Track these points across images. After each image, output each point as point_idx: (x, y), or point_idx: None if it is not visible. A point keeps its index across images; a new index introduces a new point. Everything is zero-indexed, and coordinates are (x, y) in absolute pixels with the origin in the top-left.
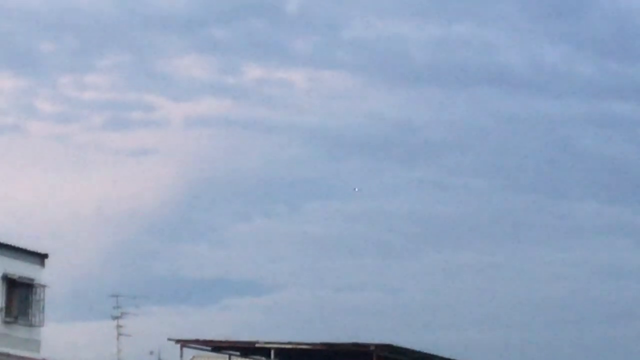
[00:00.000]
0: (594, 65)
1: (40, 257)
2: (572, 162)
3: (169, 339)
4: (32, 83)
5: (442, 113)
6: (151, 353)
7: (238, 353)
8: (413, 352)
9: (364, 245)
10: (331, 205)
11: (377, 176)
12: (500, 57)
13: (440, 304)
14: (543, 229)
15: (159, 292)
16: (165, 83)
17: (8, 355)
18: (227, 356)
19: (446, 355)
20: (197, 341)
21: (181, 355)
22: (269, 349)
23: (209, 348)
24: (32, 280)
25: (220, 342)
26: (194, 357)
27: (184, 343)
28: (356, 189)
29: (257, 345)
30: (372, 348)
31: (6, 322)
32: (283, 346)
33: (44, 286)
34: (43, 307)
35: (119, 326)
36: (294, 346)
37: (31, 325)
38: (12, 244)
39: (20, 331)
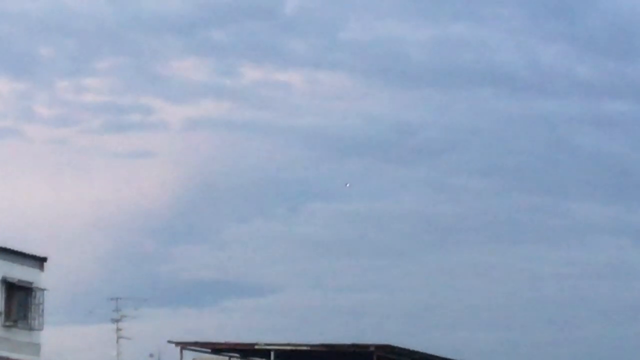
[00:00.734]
0: (592, 65)
1: (39, 261)
2: (571, 162)
3: (169, 342)
4: (30, 87)
5: (440, 114)
6: (151, 356)
7: (238, 355)
8: (413, 352)
9: (363, 246)
10: (330, 207)
11: (375, 177)
12: (498, 58)
13: (440, 305)
14: (542, 229)
15: (159, 295)
16: (164, 86)
17: (8, 359)
18: (227, 358)
19: (446, 356)
20: (196, 343)
21: (181, 358)
22: (268, 351)
23: (209, 350)
24: (32, 283)
25: (220, 344)
26: (194, 359)
27: (184, 345)
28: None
29: (256, 346)
30: (371, 349)
31: (6, 326)
32: (283, 347)
33: (43, 290)
34: (42, 311)
35: (118, 329)
36: (294, 347)
37: (31, 329)
38: (11, 248)
39: (20, 335)
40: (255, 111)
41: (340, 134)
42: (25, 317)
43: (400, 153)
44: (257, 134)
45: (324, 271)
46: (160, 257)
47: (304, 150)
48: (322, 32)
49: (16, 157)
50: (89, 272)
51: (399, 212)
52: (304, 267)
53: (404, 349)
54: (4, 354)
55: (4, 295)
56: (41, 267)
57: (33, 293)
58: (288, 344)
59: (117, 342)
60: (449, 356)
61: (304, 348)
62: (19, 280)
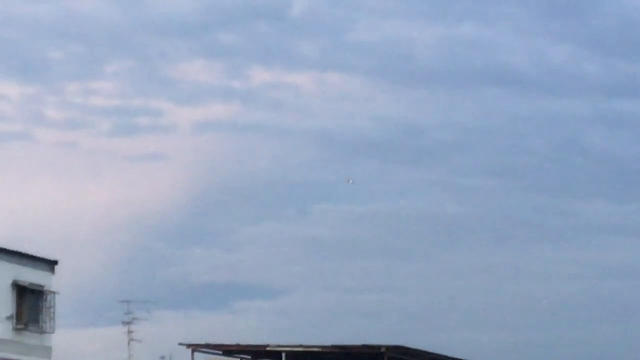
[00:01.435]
0: (601, 64)
1: (50, 264)
2: (581, 161)
3: (180, 344)
4: (39, 90)
5: (449, 114)
6: (162, 358)
7: (249, 357)
8: (424, 353)
9: (374, 247)
10: (340, 208)
11: (385, 178)
12: (506, 58)
13: (450, 305)
14: (552, 229)
15: (169, 297)
16: (173, 88)
17: None
18: None
19: (457, 356)
20: (208, 345)
21: None
22: (280, 352)
23: (220, 352)
24: (43, 287)
25: (231, 346)
26: None
27: (195, 347)
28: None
29: (268, 348)
30: (383, 350)
31: (17, 329)
32: (294, 349)
33: (54, 293)
34: (53, 314)
35: (130, 331)
36: (305, 349)
37: (42, 332)
38: (22, 251)
39: (31, 338)
40: (264, 113)
41: (349, 135)
42: (36, 320)
43: (409, 154)
44: (266, 135)
45: (334, 272)
46: (171, 259)
47: (314, 152)
48: (331, 33)
49: (26, 160)
50: (100, 274)
51: (409, 212)
52: (314, 269)
53: (415, 350)
54: (16, 357)
55: (15, 299)
56: (52, 270)
57: (44, 296)
58: (299, 346)
59: (129, 344)
60: (459, 356)
61: (315, 349)
62: (30, 284)
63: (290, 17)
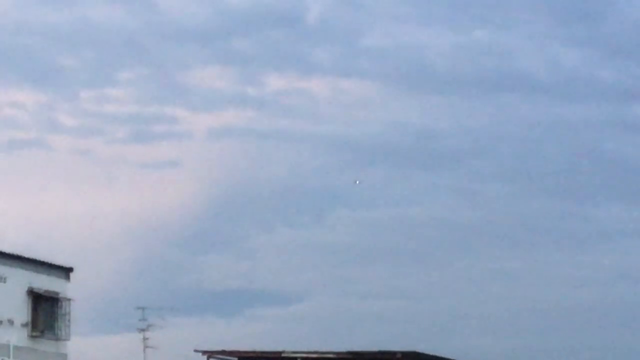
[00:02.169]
0: (616, 69)
1: (65, 271)
2: (595, 166)
3: (196, 350)
4: (53, 97)
5: (463, 120)
6: None
7: None
8: (439, 359)
9: (389, 253)
10: (355, 214)
11: (400, 184)
12: (521, 63)
13: (466, 311)
14: (567, 234)
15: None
16: (187, 95)
17: None
18: None
19: None
20: (223, 352)
21: None
22: (295, 359)
23: (236, 358)
24: (58, 294)
25: (247, 352)
26: None
27: (211, 354)
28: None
29: (283, 354)
30: (398, 356)
31: (32, 336)
32: (309, 355)
33: (69, 300)
34: (69, 321)
35: (145, 338)
36: (320, 355)
37: (57, 339)
38: (37, 258)
39: (46, 345)
40: (279, 119)
41: (364, 141)
42: (51, 327)
43: (424, 159)
44: (281, 142)
45: (349, 278)
46: (186, 266)
47: (328, 158)
48: (345, 39)
49: (41, 167)
50: (115, 281)
51: (424, 218)
52: (329, 275)
53: (430, 356)
54: None
55: (30, 306)
56: (67, 277)
57: (59, 303)
58: (314, 352)
59: (144, 351)
60: None
61: (331, 356)
62: (46, 291)
63: (305, 23)
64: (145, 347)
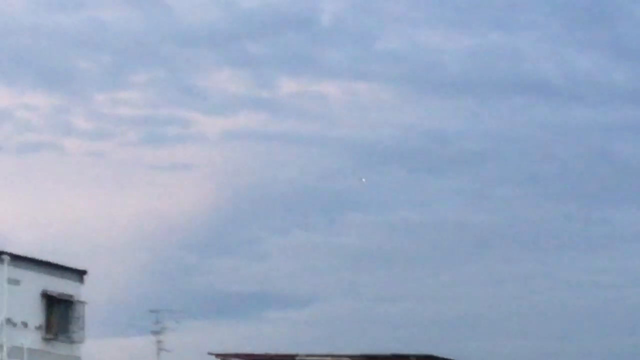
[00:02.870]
0: (628, 72)
1: (79, 274)
2: (609, 170)
3: (209, 353)
4: (67, 100)
5: (476, 123)
6: None
7: None
8: None
9: (402, 256)
10: (368, 217)
11: (413, 187)
12: (533, 66)
13: (478, 314)
14: (579, 237)
15: (198, 307)
16: (200, 98)
17: None
18: None
19: None
20: (237, 355)
21: None
22: None
23: None
24: (72, 296)
25: (260, 355)
26: None
27: (224, 357)
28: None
29: (297, 357)
30: (412, 359)
31: (46, 339)
32: (323, 358)
33: (83, 302)
34: (83, 324)
35: (159, 341)
36: (334, 358)
37: (71, 342)
38: (51, 261)
39: (60, 348)
40: (292, 122)
41: (377, 144)
42: (65, 330)
43: (437, 162)
44: (294, 145)
45: (363, 281)
46: (200, 269)
47: (341, 161)
48: (358, 42)
49: (55, 170)
50: (129, 284)
51: (436, 221)
52: (343, 278)
53: (444, 359)
54: None
55: (44, 309)
56: (81, 280)
57: (73, 306)
58: (328, 355)
59: (158, 354)
60: None
61: (345, 358)
62: (60, 294)
63: (318, 26)
64: (159, 350)
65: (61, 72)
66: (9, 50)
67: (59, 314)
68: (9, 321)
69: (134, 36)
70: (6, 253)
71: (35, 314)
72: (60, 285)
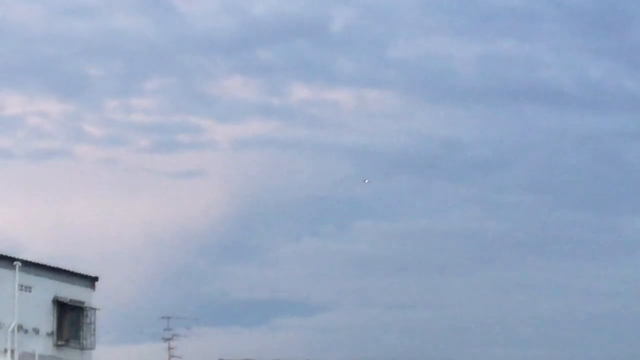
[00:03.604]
0: None
1: (90, 280)
2: (621, 177)
3: None
4: (79, 107)
5: (488, 130)
6: None
7: None
8: None
9: (413, 263)
10: (379, 224)
11: (425, 194)
12: (545, 74)
13: (491, 321)
14: (593, 245)
15: (209, 314)
16: (212, 105)
17: None
18: None
19: None
20: None
21: None
22: None
23: None
24: (83, 303)
25: None
26: None
27: None
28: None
29: None
30: None
31: (58, 345)
32: None
33: (94, 309)
34: (94, 330)
35: (170, 348)
36: None
37: (83, 348)
38: (63, 268)
39: (71, 354)
40: (303, 130)
41: (389, 151)
42: (77, 336)
43: (449, 170)
44: (305, 152)
45: (374, 288)
46: (211, 276)
47: (353, 168)
48: (370, 50)
49: (67, 177)
50: (140, 291)
51: (448, 229)
52: (354, 285)
53: None
54: None
55: (56, 315)
56: (92, 287)
57: (85, 312)
58: None
59: None
60: None
61: None
62: (71, 300)
63: (329, 33)
64: (170, 356)
65: (73, 79)
66: (22, 57)
67: (71, 320)
68: (20, 327)
69: (146, 43)
70: (18, 260)
71: (46, 320)
72: (71, 292)
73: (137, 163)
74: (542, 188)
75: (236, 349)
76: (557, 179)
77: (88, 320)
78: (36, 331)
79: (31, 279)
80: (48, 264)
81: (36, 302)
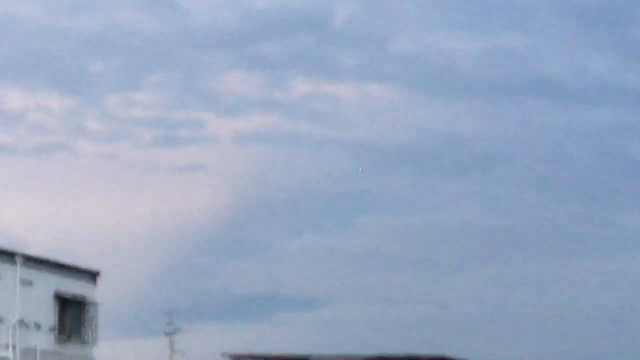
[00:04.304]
0: None
1: (92, 275)
2: (623, 172)
3: (223, 354)
4: (80, 102)
5: (490, 125)
6: None
7: None
8: None
9: (415, 258)
10: (381, 220)
11: (426, 190)
12: (547, 68)
13: (492, 317)
14: (594, 240)
15: (212, 308)
16: (214, 99)
17: None
18: None
19: None
20: (250, 356)
21: None
22: None
23: None
24: (85, 298)
25: (274, 356)
26: None
27: (238, 358)
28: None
29: (310, 358)
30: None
31: (59, 341)
32: (336, 359)
33: (96, 304)
34: (96, 325)
35: (172, 343)
36: (348, 359)
37: (84, 343)
38: (64, 262)
39: (73, 349)
40: (305, 124)
41: (390, 146)
42: (78, 331)
43: (451, 165)
44: (307, 147)
45: (376, 284)
46: (213, 270)
47: (355, 163)
48: (372, 44)
49: (68, 172)
50: (142, 285)
51: (450, 224)
52: (356, 280)
53: None
54: None
55: (57, 310)
56: (94, 282)
57: (86, 307)
58: (342, 356)
59: (171, 355)
60: None
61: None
62: (73, 295)
63: (331, 28)
64: (173, 351)
65: (75, 74)
66: (23, 52)
67: (72, 315)
68: (21, 322)
69: (147, 38)
70: (19, 254)
71: (48, 315)
72: (73, 287)
73: (139, 158)
74: (543, 183)
75: (239, 343)
76: (558, 174)
77: (90, 315)
78: (38, 326)
79: (32, 273)
80: (49, 259)
81: (37, 297)
